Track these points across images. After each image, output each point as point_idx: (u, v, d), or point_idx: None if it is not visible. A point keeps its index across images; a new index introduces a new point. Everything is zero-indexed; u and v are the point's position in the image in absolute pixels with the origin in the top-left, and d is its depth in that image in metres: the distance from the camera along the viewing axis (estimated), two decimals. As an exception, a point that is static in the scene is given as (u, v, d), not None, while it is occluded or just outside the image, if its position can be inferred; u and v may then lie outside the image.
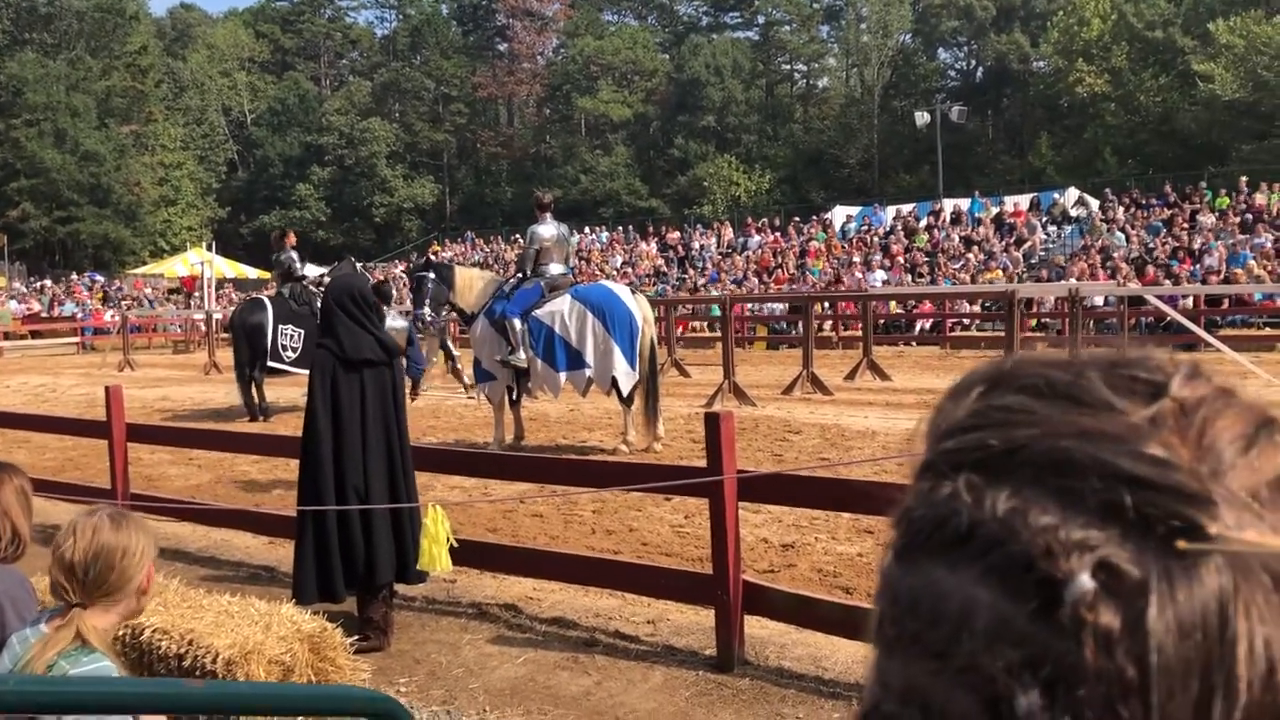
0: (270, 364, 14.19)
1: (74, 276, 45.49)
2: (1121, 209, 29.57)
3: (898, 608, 0.53)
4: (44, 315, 38.61)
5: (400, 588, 5.88)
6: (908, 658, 0.52)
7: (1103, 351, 0.56)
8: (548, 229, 11.39)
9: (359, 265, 16.38)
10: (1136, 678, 0.46)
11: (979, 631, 0.49)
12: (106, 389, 7.95)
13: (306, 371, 14.49)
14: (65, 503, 7.68)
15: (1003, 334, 14.80)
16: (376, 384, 5.53)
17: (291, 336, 14.21)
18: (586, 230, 41.96)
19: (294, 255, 14.19)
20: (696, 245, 37.65)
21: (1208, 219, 27.01)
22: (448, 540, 5.41)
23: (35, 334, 35.75)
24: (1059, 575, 0.47)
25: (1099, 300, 21.86)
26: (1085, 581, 0.47)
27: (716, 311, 22.05)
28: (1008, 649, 0.48)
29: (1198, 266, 24.22)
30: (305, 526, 5.46)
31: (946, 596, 0.50)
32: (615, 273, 34.25)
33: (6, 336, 34.45)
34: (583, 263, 34.65)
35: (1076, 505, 0.48)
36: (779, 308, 26.50)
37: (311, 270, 14.36)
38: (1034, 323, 23.49)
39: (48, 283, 44.56)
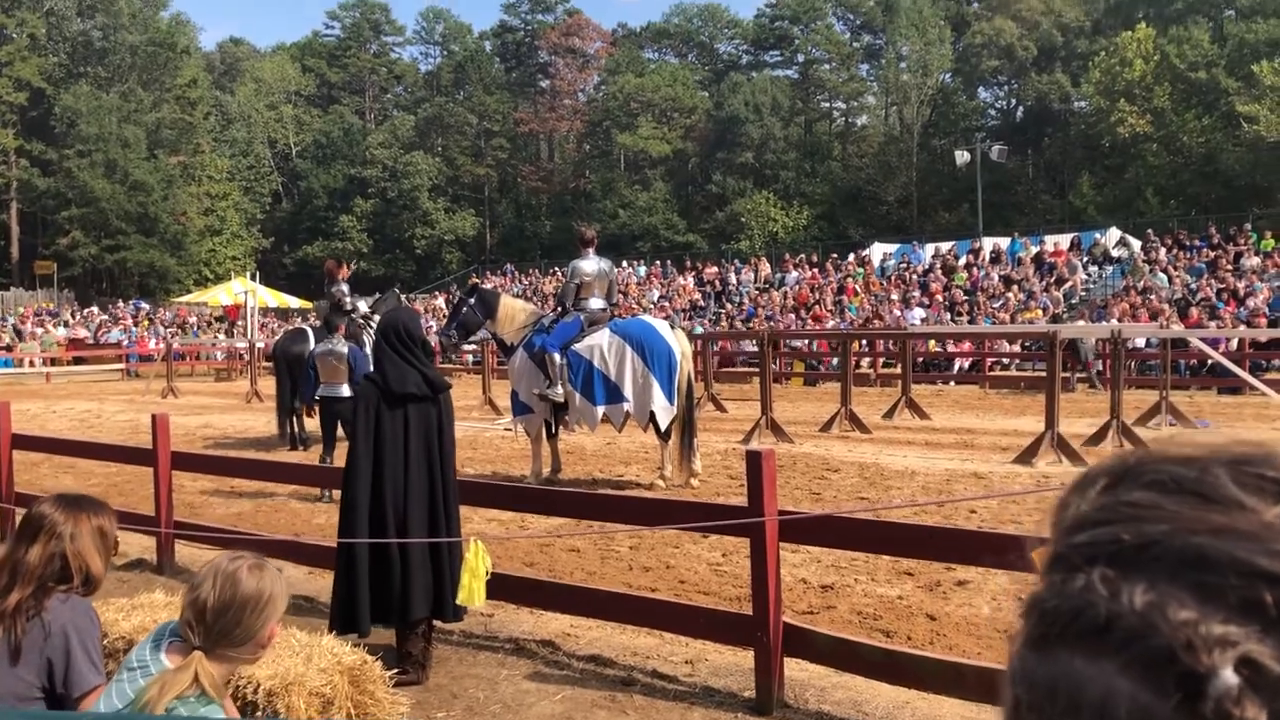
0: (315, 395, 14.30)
1: (120, 304, 46.26)
2: (1164, 250, 29.29)
3: (1035, 695, 0.54)
4: (90, 342, 39.27)
5: (437, 621, 5.89)
6: None
7: (1225, 445, 0.56)
8: (589, 264, 11.45)
9: (403, 297, 16.52)
10: None
11: None
12: (153, 417, 8.06)
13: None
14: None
15: (1044, 374, 14.67)
16: (420, 418, 5.55)
17: None
18: (624, 264, 42.14)
19: (344, 288, 14.36)
20: (734, 280, 37.69)
21: (1252, 260, 26.69)
22: (486, 574, 5.42)
23: (80, 360, 36.33)
24: (1201, 670, 0.48)
25: (1140, 341, 21.64)
26: (1229, 677, 0.47)
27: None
28: None
29: (1242, 308, 23.92)
30: (343, 558, 5.48)
31: (1086, 686, 0.51)
32: (653, 306, 34.34)
33: (53, 362, 35.04)
34: (621, 295, 34.77)
35: (1215, 601, 0.49)
36: (817, 344, 26.45)
37: (362, 305, 14.50)
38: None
39: (94, 309, 45.34)
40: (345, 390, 11.27)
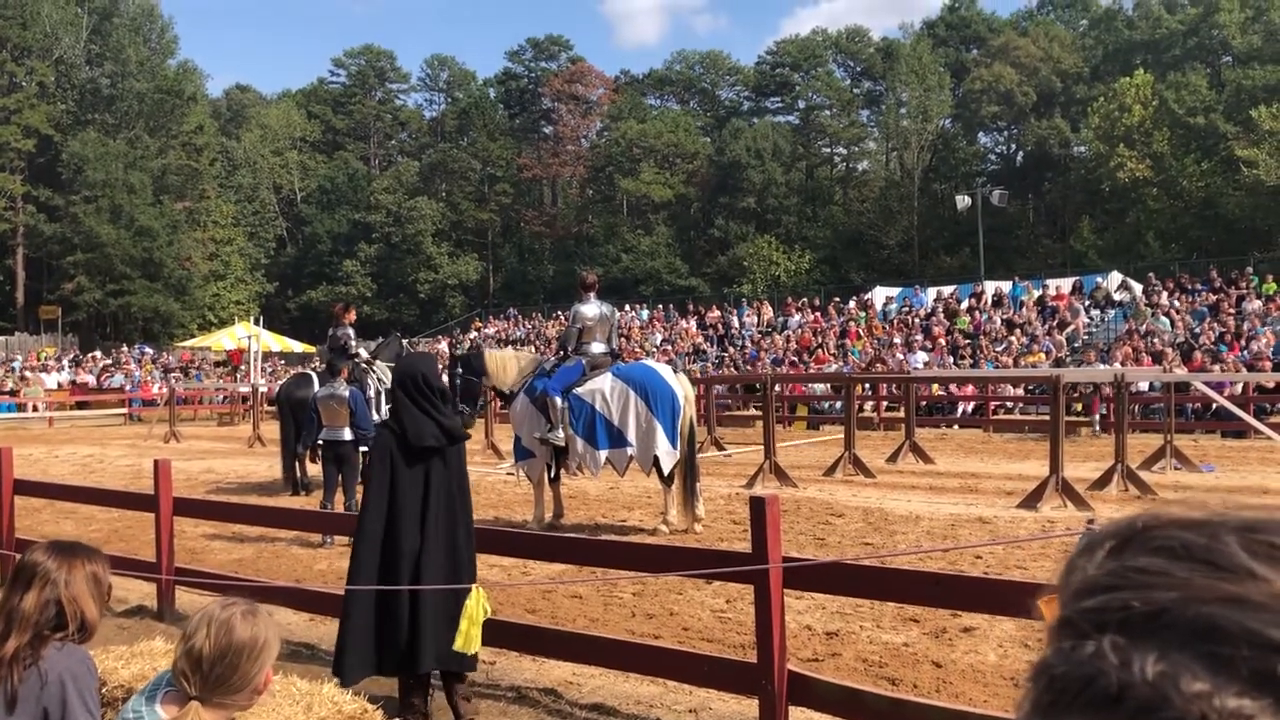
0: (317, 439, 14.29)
1: (124, 348, 46.34)
2: (1166, 293, 29.35)
3: None
4: (92, 386, 39.31)
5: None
6: None
7: (1232, 510, 0.56)
8: (591, 308, 11.48)
9: (404, 341, 16.54)
10: None
11: None
12: (155, 463, 8.03)
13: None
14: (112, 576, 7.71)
15: (1047, 418, 14.65)
16: (438, 468, 5.44)
17: None
18: (627, 308, 42.25)
19: (350, 332, 14.39)
20: (736, 323, 37.75)
21: (1254, 304, 26.73)
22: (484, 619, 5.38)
23: (82, 404, 36.35)
24: None
25: (1144, 385, 21.60)
26: None
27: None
28: None
29: (1245, 352, 23.91)
30: (351, 606, 5.40)
31: None
32: (655, 350, 34.37)
33: (60, 407, 35.08)
34: (623, 340, 34.84)
35: (1227, 672, 0.48)
36: (820, 387, 26.42)
37: (363, 351, 14.54)
38: (1079, 407, 23.22)
39: (98, 354, 45.42)
40: (347, 434, 11.28)
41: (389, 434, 5.44)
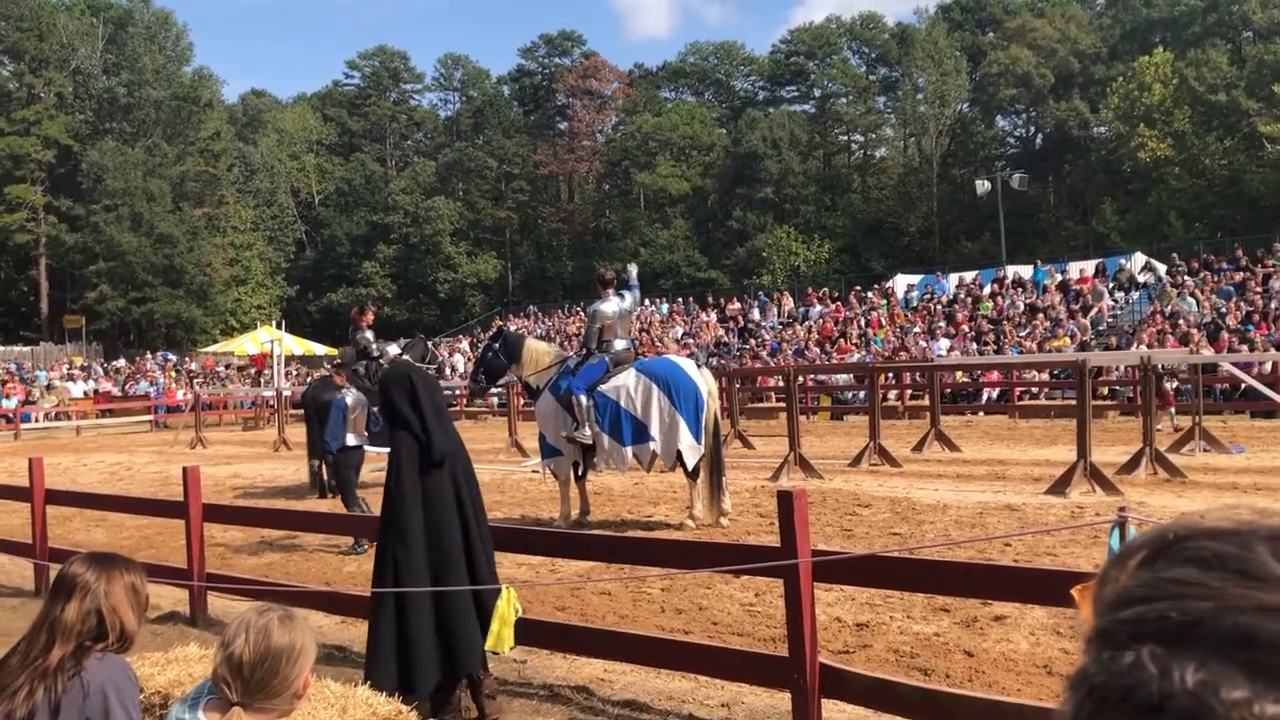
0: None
1: (148, 356, 46.69)
2: (1190, 274, 29.08)
3: None
4: (117, 395, 39.65)
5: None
6: None
7: (1261, 518, 0.57)
8: (610, 305, 11.47)
9: (429, 343, 16.57)
10: None
11: None
12: (184, 470, 8.09)
13: (378, 449, 14.56)
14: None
15: (1073, 402, 14.54)
16: (462, 468, 5.49)
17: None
18: (647, 302, 42.23)
19: (369, 335, 14.43)
20: (757, 315, 37.66)
21: (1281, 282, 26.46)
22: (515, 619, 5.39)
23: (107, 413, 36.66)
24: None
25: (1169, 377, 21.37)
26: None
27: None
28: None
29: (1273, 330, 23.67)
30: (382, 613, 5.33)
31: None
32: (677, 344, 34.34)
33: (84, 415, 35.41)
34: (643, 334, 34.82)
35: (1266, 679, 0.50)
36: (843, 377, 26.34)
37: (392, 349, 14.57)
38: (1105, 390, 23.05)
39: (122, 362, 45.79)
40: (352, 439, 11.20)
41: (412, 439, 5.42)
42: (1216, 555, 0.55)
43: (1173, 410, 19.42)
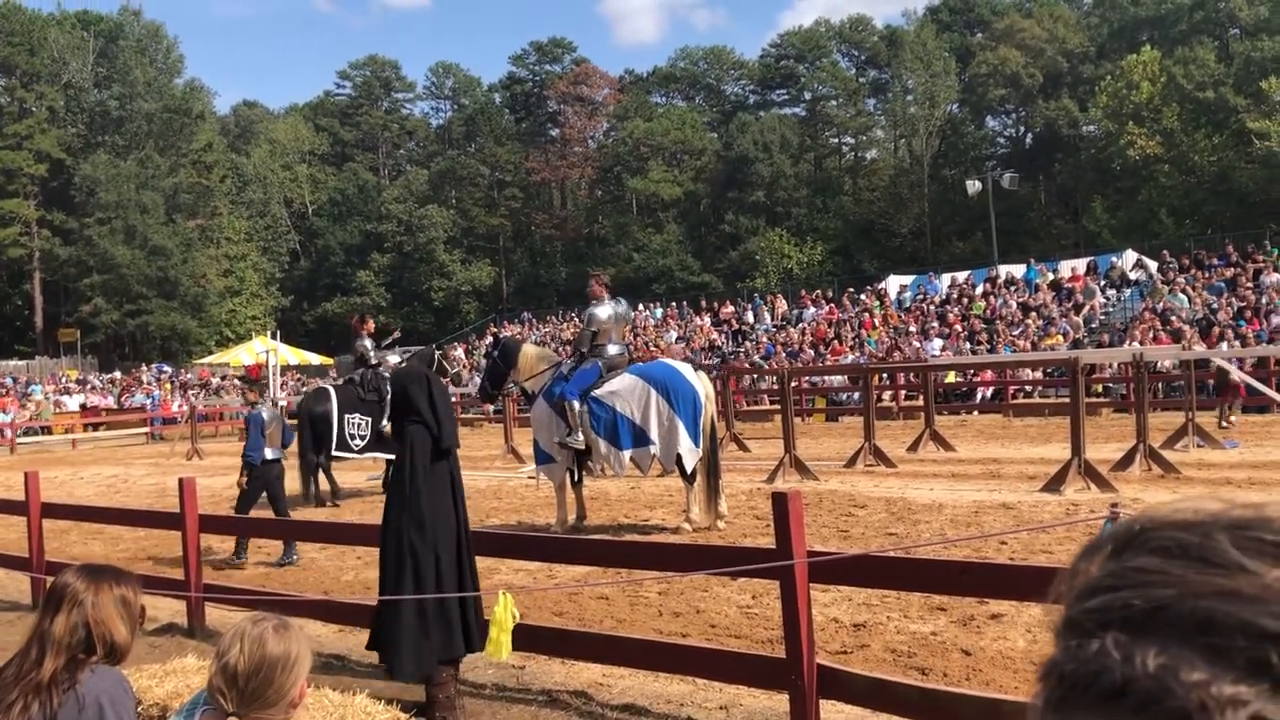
0: (337, 453, 14.37)
1: (143, 368, 46.61)
2: (1181, 270, 29.16)
3: None
4: (113, 408, 39.58)
5: (470, 674, 5.90)
6: None
7: (1224, 509, 0.59)
8: (604, 310, 11.50)
9: (438, 353, 16.49)
10: None
11: None
12: (180, 482, 8.10)
13: (372, 456, 14.57)
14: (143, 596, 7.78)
15: (1067, 400, 14.59)
16: (457, 465, 5.80)
17: (358, 425, 14.39)
18: (640, 307, 42.24)
19: (368, 344, 14.45)
20: (751, 318, 37.69)
21: (1272, 277, 26.53)
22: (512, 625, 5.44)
23: (95, 425, 36.60)
24: None
25: (1165, 363, 21.47)
26: None
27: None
28: None
29: (1264, 326, 23.74)
30: (403, 601, 5.52)
31: None
32: (669, 346, 34.33)
33: (69, 430, 35.38)
34: (636, 338, 34.84)
35: (1225, 662, 0.52)
36: (838, 379, 26.37)
37: (391, 358, 14.60)
38: (1099, 388, 23.11)
39: (117, 375, 45.71)
40: (270, 453, 11.15)
41: (426, 432, 5.65)
42: (1180, 544, 0.57)
43: (1239, 404, 18.80)
